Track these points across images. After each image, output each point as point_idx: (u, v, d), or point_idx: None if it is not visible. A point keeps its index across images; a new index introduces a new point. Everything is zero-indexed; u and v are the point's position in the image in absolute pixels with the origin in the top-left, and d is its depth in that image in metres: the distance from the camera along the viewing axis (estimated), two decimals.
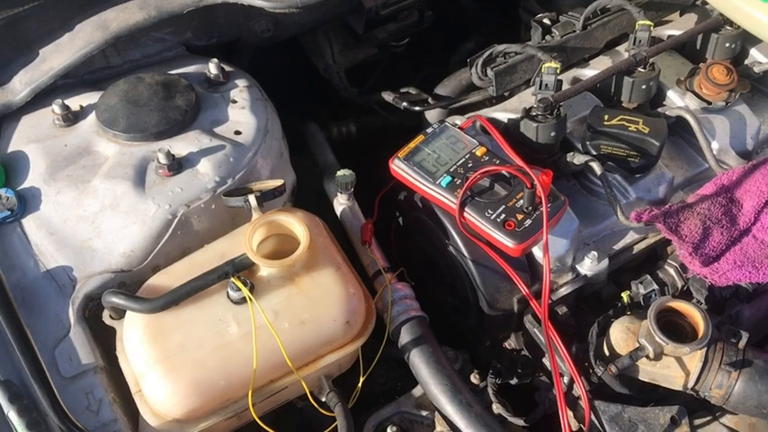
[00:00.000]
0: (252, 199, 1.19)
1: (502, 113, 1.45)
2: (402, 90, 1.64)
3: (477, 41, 1.85)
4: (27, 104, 1.37)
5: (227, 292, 1.13)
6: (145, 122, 1.31)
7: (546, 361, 1.29)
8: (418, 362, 1.20)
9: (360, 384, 1.21)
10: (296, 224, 1.16)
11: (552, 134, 1.33)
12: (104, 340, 1.19)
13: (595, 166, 1.31)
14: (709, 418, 1.27)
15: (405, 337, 1.22)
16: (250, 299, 1.08)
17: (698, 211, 1.29)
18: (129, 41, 1.42)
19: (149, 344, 1.10)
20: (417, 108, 1.58)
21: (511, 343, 1.40)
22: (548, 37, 1.52)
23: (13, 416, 1.02)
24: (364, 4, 1.56)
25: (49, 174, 1.28)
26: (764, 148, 1.48)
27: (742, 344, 1.19)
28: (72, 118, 1.36)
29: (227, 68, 1.45)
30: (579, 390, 1.18)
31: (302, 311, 1.13)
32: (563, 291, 1.29)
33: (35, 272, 1.20)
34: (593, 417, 1.19)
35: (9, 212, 1.24)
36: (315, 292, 1.14)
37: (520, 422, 1.25)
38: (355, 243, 1.35)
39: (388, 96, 1.62)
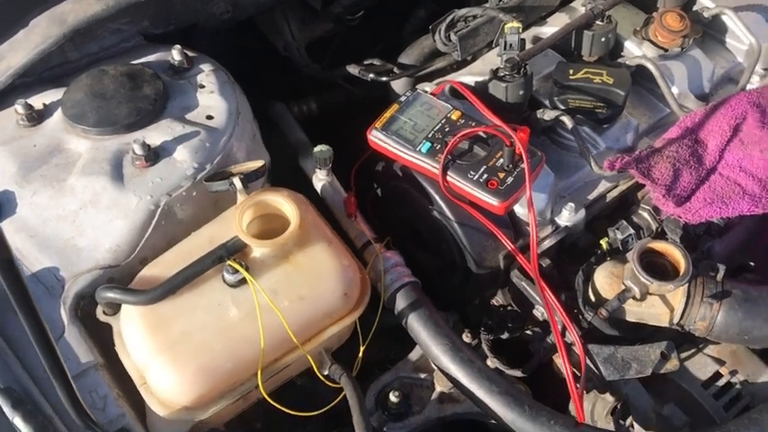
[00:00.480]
0: (237, 181, 1.18)
1: (468, 77, 1.47)
2: (366, 62, 1.64)
3: (428, 9, 1.86)
4: None
5: (223, 276, 1.13)
6: (115, 115, 1.29)
7: (536, 313, 1.33)
8: (417, 325, 1.22)
9: (360, 354, 1.22)
10: (284, 202, 1.17)
11: (521, 92, 1.36)
12: (100, 338, 1.18)
13: (566, 120, 1.34)
14: (694, 350, 1.34)
15: (401, 303, 1.24)
16: (251, 280, 1.08)
17: (667, 154, 1.34)
18: (86, 34, 1.39)
19: (150, 335, 1.09)
20: (384, 78, 1.58)
21: (498, 300, 1.44)
22: None
23: (18, 422, 1.01)
24: None
25: (21, 176, 1.25)
26: (719, 90, 1.53)
27: (720, 276, 1.25)
28: (37, 117, 1.32)
29: (191, 54, 1.43)
30: (572, 336, 1.22)
31: (300, 287, 1.13)
32: (546, 243, 1.33)
33: None
34: (587, 360, 1.24)
35: None
36: (310, 267, 1.15)
37: (517, 373, 1.29)
38: (339, 217, 1.36)
39: (353, 69, 1.62)
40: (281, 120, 1.61)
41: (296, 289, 1.13)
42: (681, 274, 1.21)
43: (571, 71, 1.40)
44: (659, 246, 1.24)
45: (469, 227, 1.30)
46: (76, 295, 1.17)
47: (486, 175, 1.24)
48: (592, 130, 1.41)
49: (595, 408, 1.34)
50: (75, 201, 1.23)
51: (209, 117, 1.33)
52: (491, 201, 1.23)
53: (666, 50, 1.47)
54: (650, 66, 1.41)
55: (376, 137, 1.31)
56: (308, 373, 1.28)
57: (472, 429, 1.44)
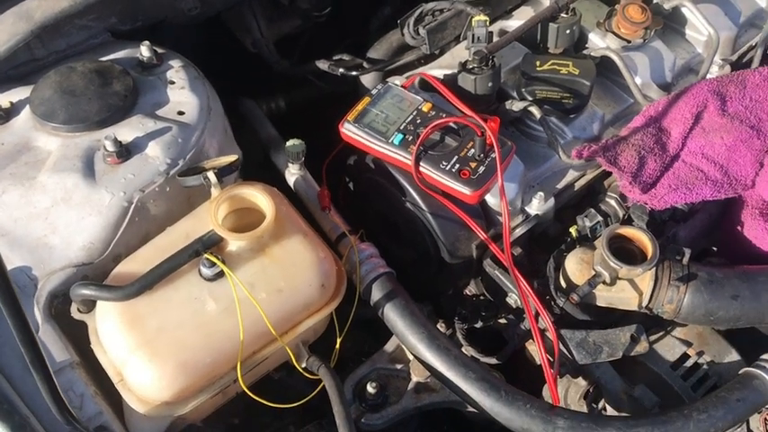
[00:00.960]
0: (211, 175, 1.18)
1: (437, 70, 1.49)
2: (335, 57, 1.65)
3: (393, 5, 1.88)
4: None
5: (200, 270, 1.13)
6: (85, 112, 1.28)
7: (509, 300, 1.35)
8: (393, 315, 1.24)
9: (338, 345, 1.23)
10: (259, 195, 1.17)
11: (489, 84, 1.38)
12: (74, 336, 1.17)
13: (534, 111, 1.37)
14: (662, 333, 1.37)
15: (376, 293, 1.26)
16: (228, 273, 1.09)
17: (632, 142, 1.38)
18: (53, 31, 1.37)
19: (127, 331, 1.09)
20: (354, 73, 1.59)
21: (471, 289, 1.46)
22: None
23: None
24: None
25: None
26: (680, 80, 1.58)
27: (686, 260, 1.28)
28: (4, 116, 1.31)
29: (159, 50, 1.42)
30: (545, 321, 1.25)
31: (278, 280, 1.14)
32: (517, 232, 1.35)
33: None
34: (560, 345, 1.26)
35: None
36: (287, 259, 1.16)
37: (492, 360, 1.31)
38: (313, 210, 1.37)
39: (323, 64, 1.63)
40: (251, 116, 1.61)
41: (273, 281, 1.14)
42: (648, 258, 1.24)
43: (538, 63, 1.43)
44: (627, 231, 1.27)
45: (442, 217, 1.32)
46: (50, 294, 1.16)
47: (458, 166, 1.26)
48: (559, 120, 1.44)
49: (569, 392, 1.37)
50: (46, 198, 1.21)
51: (181, 113, 1.33)
52: (463, 190, 1.25)
53: (629, 42, 1.51)
54: (614, 57, 1.45)
55: (348, 129, 1.32)
56: (284, 367, 1.29)
57: (449, 418, 1.46)
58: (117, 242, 1.21)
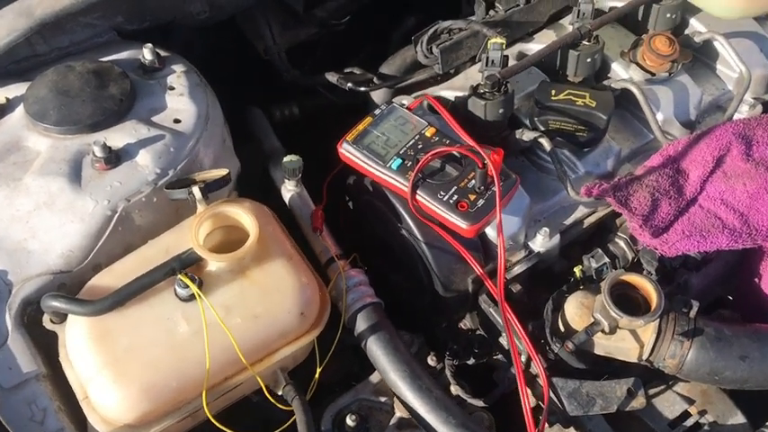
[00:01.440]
0: (196, 191, 1.14)
1: (449, 91, 1.44)
2: (346, 70, 1.60)
3: (418, 17, 1.82)
4: None
5: (175, 290, 1.08)
6: (78, 114, 1.25)
7: (503, 340, 1.29)
8: (376, 349, 1.18)
9: (317, 375, 1.18)
10: (244, 215, 1.13)
11: (500, 111, 1.32)
12: (46, 346, 1.14)
13: (545, 142, 1.30)
14: (663, 387, 1.30)
15: (361, 324, 1.20)
16: (199, 296, 1.04)
17: (646, 183, 1.30)
18: (55, 28, 1.34)
19: (95, 348, 1.05)
20: (362, 89, 1.54)
21: (466, 323, 1.39)
22: (491, 12, 1.50)
23: None
24: None
25: None
26: (706, 118, 1.49)
27: (693, 313, 1.21)
28: None
29: (163, 54, 1.39)
30: (537, 367, 1.18)
31: (255, 305, 1.09)
32: (517, 269, 1.29)
33: None
34: (551, 393, 1.20)
35: None
36: (267, 284, 1.11)
37: (479, 403, 1.25)
38: (306, 230, 1.32)
39: (331, 77, 1.58)
40: (256, 125, 1.57)
41: (250, 306, 1.09)
42: (652, 309, 1.17)
43: (553, 91, 1.36)
44: (632, 279, 1.20)
45: (438, 248, 1.26)
46: (23, 301, 1.13)
47: (456, 197, 1.20)
48: (572, 153, 1.37)
49: None
50: (29, 201, 1.18)
51: (177, 120, 1.29)
52: (460, 223, 1.19)
53: (653, 75, 1.43)
54: (635, 90, 1.37)
55: (346, 150, 1.27)
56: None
57: None
58: (98, 251, 1.18)
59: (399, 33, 1.79)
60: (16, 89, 1.32)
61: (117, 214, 1.18)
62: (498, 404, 1.29)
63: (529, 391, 1.23)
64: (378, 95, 1.56)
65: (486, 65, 1.33)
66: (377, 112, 1.30)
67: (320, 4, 1.66)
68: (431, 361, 1.33)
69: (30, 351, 1.11)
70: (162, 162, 1.22)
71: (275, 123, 1.67)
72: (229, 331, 1.04)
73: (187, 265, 1.08)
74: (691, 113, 1.44)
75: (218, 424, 1.07)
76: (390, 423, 1.27)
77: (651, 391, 1.27)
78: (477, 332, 1.38)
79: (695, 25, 1.52)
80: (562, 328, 1.24)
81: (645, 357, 1.21)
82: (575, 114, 1.33)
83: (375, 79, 1.56)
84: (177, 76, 1.36)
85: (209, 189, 1.16)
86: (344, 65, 1.65)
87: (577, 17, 1.41)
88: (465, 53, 1.46)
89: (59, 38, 1.38)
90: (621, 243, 1.35)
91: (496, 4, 1.49)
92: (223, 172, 1.21)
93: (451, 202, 1.19)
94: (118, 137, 1.24)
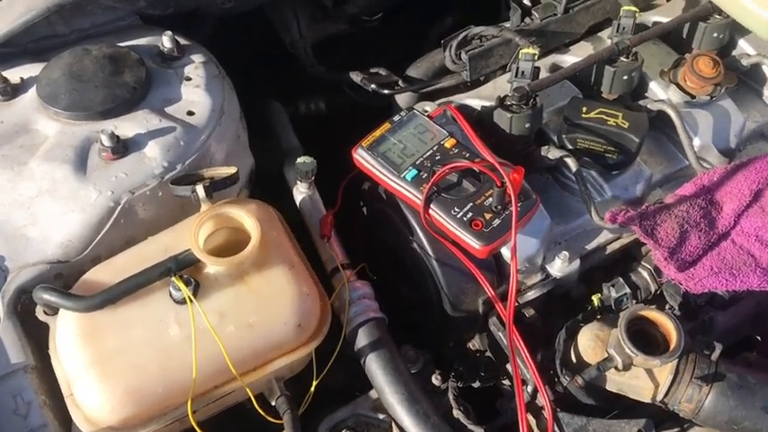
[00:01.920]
0: (200, 189, 1.09)
1: (475, 100, 1.37)
2: (372, 70, 1.54)
3: (455, 18, 1.76)
4: None
5: (170, 291, 1.04)
6: (89, 100, 1.21)
7: (509, 367, 1.22)
8: (375, 367, 1.13)
9: (312, 389, 1.14)
10: (246, 218, 1.08)
11: (527, 125, 1.25)
12: (37, 337, 1.11)
13: (570, 163, 1.23)
14: (677, 430, 1.22)
15: (361, 340, 1.15)
16: (191, 300, 1.00)
17: (675, 213, 1.22)
18: (75, 9, 1.31)
19: (83, 345, 1.02)
20: (386, 91, 1.49)
21: (475, 343, 1.34)
22: (527, 19, 1.43)
23: None
24: None
25: None
26: (748, 146, 1.41)
27: (715, 356, 1.13)
28: (10, 92, 1.25)
29: (183, 42, 1.35)
30: (543, 399, 1.12)
31: (250, 313, 1.05)
32: (531, 294, 1.23)
33: None
34: (556, 429, 1.13)
35: None
36: (265, 291, 1.07)
37: (480, 431, 1.19)
38: (314, 235, 1.27)
39: (356, 77, 1.53)
40: (275, 120, 1.52)
41: (245, 314, 1.05)
42: (671, 349, 1.10)
43: (584, 109, 1.28)
44: (651, 314, 1.13)
45: (449, 266, 1.20)
46: (18, 289, 1.10)
47: (470, 214, 1.14)
48: (599, 175, 1.30)
49: None
50: (32, 187, 1.15)
51: (190, 113, 1.25)
52: (472, 243, 1.13)
53: (694, 97, 1.35)
54: (672, 113, 1.29)
55: (361, 156, 1.22)
56: (257, 397, 1.20)
57: None
58: (98, 243, 1.14)
59: (435, 33, 1.73)
60: (32, 69, 1.29)
61: (120, 206, 1.15)
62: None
63: (534, 421, 1.18)
64: (402, 99, 1.50)
65: (516, 75, 1.27)
66: (396, 118, 1.25)
67: (351, 0, 1.61)
68: (435, 380, 1.28)
69: (20, 341, 1.08)
70: (170, 155, 1.19)
71: (300, 117, 1.63)
72: (220, 339, 1.00)
73: (184, 266, 1.04)
74: (731, 141, 1.36)
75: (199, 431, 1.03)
76: None
77: None
78: (486, 354, 1.32)
79: (744, 47, 1.43)
80: (574, 360, 1.18)
81: (659, 398, 1.14)
82: (605, 134, 1.26)
83: (400, 82, 1.50)
84: (195, 67, 1.32)
85: (215, 188, 1.12)
86: (374, 63, 1.59)
87: (617, 31, 1.33)
88: (495, 61, 1.39)
89: (80, 19, 1.35)
90: (645, 274, 1.28)
91: (533, 12, 1.41)
92: (231, 170, 1.16)
93: (465, 219, 1.13)
94: (128, 126, 1.21)
